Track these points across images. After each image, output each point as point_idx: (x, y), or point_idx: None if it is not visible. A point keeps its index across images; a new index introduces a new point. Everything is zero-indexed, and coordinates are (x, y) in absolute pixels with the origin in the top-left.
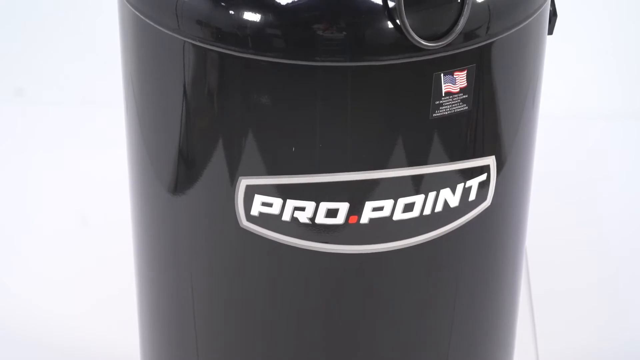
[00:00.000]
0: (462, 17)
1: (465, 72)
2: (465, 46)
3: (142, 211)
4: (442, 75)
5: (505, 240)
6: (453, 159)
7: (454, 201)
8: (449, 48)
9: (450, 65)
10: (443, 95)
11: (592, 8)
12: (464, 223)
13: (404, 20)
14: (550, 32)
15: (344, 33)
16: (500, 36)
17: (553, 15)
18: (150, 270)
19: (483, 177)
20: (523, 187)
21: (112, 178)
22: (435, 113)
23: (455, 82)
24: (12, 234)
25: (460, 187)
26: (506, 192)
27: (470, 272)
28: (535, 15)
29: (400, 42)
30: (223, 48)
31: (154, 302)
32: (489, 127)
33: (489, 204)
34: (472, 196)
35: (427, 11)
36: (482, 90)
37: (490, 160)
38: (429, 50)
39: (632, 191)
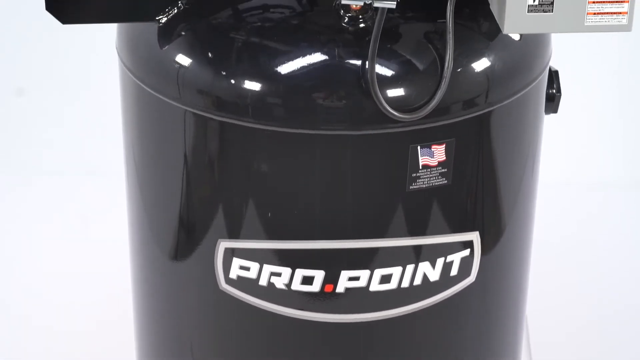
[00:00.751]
0: (439, 91)
1: (444, 145)
2: (444, 119)
3: (141, 276)
4: (418, 147)
5: (496, 315)
6: (432, 232)
7: (433, 275)
8: (425, 121)
9: (428, 138)
10: (420, 168)
11: (591, 78)
12: (445, 298)
13: (377, 91)
14: (555, 110)
15: (344, 102)
16: (500, 104)
17: (557, 92)
18: (151, 348)
19: (465, 252)
20: (518, 262)
21: (112, 245)
22: (412, 185)
23: (433, 156)
24: (13, 307)
25: (440, 262)
26: (497, 267)
27: (454, 347)
28: (534, 83)
29: (376, 113)
30: (223, 117)
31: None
32: (473, 202)
33: (473, 279)
34: (454, 271)
35: (406, 84)
36: (476, 163)
37: (474, 236)
38: (403, 122)
39: (632, 259)
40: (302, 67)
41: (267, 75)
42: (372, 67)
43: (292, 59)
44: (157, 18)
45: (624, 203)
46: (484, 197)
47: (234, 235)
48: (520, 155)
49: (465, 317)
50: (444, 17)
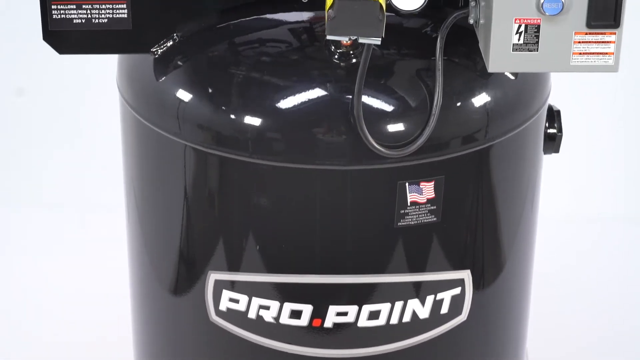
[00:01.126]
0: (427, 128)
1: (433, 183)
2: (434, 157)
3: (140, 307)
4: (407, 184)
5: (493, 352)
6: (421, 270)
7: (423, 313)
8: (413, 158)
9: (416, 175)
10: (408, 204)
11: (590, 115)
12: (435, 336)
13: (362, 127)
14: (557, 150)
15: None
16: (498, 140)
17: (559, 132)
18: None
19: (456, 290)
20: (518, 298)
21: (112, 278)
22: (400, 222)
23: (422, 193)
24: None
25: (430, 299)
26: (495, 304)
27: None
28: (534, 118)
29: (364, 149)
30: (223, 152)
31: None
32: (466, 240)
33: (465, 318)
34: (445, 309)
35: (396, 120)
36: (472, 199)
37: (465, 275)
38: (390, 158)
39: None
40: (301, 103)
41: (267, 111)
42: (358, 103)
43: (291, 95)
44: (152, 50)
45: (624, 237)
46: (483, 234)
47: (223, 267)
48: (520, 191)
49: (456, 355)
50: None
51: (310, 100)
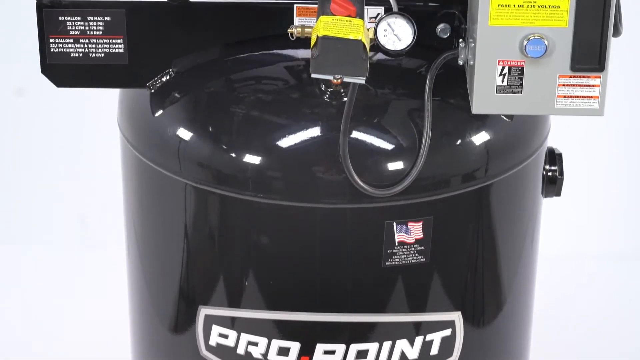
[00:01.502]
0: (415, 168)
1: (421, 223)
2: (422, 197)
3: (140, 344)
4: (394, 224)
5: None
6: (409, 310)
7: (412, 353)
8: (400, 198)
9: (404, 215)
10: (396, 244)
11: (590, 154)
12: None
13: (348, 166)
14: (558, 193)
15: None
16: (499, 178)
17: (560, 175)
18: None
19: (446, 332)
20: (517, 338)
21: (112, 317)
22: (388, 261)
23: (410, 233)
24: None
25: (419, 340)
26: (490, 345)
27: None
28: (534, 157)
29: (352, 188)
30: (224, 190)
31: None
32: (456, 282)
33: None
34: (434, 350)
35: (385, 159)
36: (465, 240)
37: (456, 316)
38: (377, 198)
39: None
40: (295, 142)
41: (268, 149)
42: (345, 142)
43: (291, 133)
44: (148, 84)
45: (626, 274)
46: (476, 275)
47: (213, 302)
48: (518, 231)
49: None
50: (435, 94)
51: (302, 140)
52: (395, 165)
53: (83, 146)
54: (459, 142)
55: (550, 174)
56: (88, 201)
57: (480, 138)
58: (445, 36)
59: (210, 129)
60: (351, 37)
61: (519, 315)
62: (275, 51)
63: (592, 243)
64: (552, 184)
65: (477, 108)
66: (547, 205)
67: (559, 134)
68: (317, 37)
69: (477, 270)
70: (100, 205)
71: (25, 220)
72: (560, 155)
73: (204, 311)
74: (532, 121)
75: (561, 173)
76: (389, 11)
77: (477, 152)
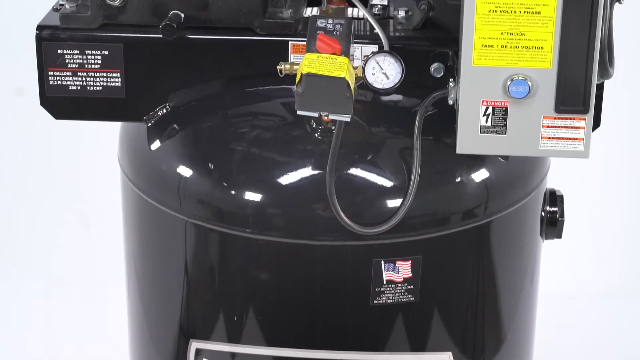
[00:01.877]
0: (403, 207)
1: (410, 262)
2: (410, 235)
3: None
4: (382, 262)
5: None
6: (398, 349)
7: None
8: (387, 236)
9: (393, 253)
10: (384, 283)
11: (590, 192)
12: None
13: (335, 204)
14: (559, 235)
15: None
16: (499, 215)
17: (560, 217)
18: None
19: None
20: None
21: (112, 354)
22: (376, 300)
23: (398, 271)
24: None
25: None
26: None
27: None
28: (533, 194)
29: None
30: (224, 227)
31: None
32: (451, 320)
33: None
34: None
35: (373, 197)
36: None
37: (446, 357)
38: (364, 236)
39: None
40: (302, 179)
41: (268, 186)
42: (331, 180)
43: (291, 171)
44: (144, 118)
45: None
46: (484, 312)
47: (202, 336)
48: (518, 270)
49: None
50: (431, 133)
51: (291, 177)
52: (386, 204)
53: (83, 146)
54: (455, 179)
55: (550, 215)
56: (88, 201)
57: (479, 175)
58: (439, 75)
59: (210, 166)
60: (335, 75)
61: (519, 354)
62: (271, 87)
63: (593, 280)
64: (553, 226)
65: (461, 148)
66: (547, 245)
67: (560, 173)
68: (302, 74)
69: (477, 308)
70: (100, 205)
71: (25, 220)
72: (561, 197)
73: (195, 345)
74: (532, 158)
75: (562, 215)
76: (381, 49)
77: (476, 189)
